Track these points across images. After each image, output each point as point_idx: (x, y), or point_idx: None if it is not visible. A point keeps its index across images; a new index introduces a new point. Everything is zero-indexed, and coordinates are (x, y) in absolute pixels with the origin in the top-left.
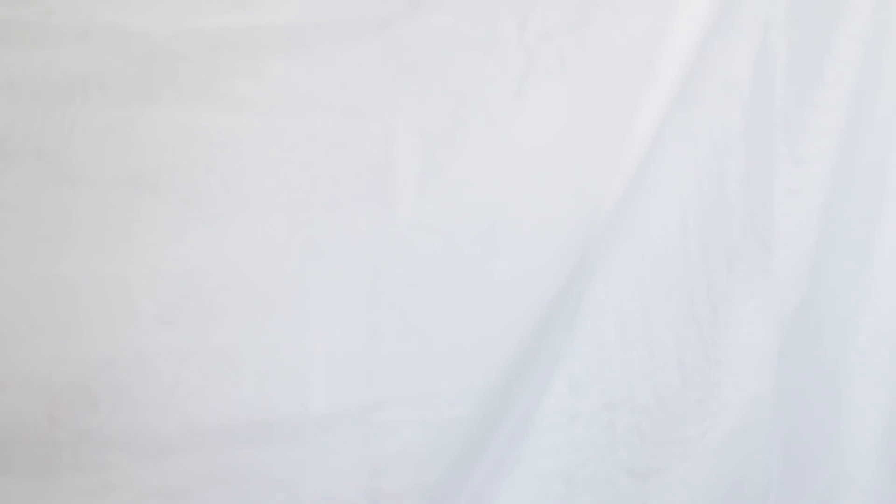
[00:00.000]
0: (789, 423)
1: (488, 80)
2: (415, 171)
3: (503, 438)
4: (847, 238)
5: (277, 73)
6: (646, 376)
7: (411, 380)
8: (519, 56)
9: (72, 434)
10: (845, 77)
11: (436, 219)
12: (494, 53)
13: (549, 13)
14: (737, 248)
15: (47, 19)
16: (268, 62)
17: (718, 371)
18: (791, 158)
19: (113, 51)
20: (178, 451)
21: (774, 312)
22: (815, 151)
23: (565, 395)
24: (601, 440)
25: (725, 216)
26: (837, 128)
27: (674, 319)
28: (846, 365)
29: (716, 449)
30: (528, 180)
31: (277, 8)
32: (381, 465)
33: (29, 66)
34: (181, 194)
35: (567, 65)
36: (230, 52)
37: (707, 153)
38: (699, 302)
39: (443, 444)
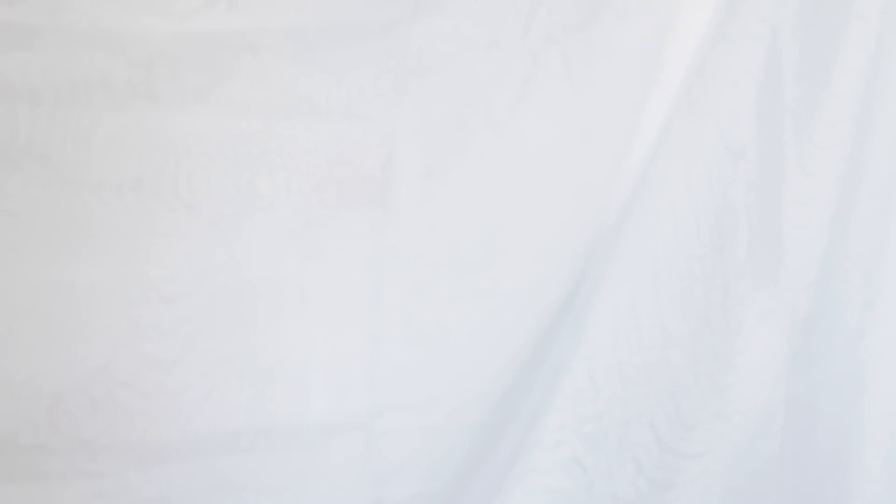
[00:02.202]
0: (800, 432)
1: (492, 83)
2: (418, 175)
3: (509, 447)
4: (856, 246)
5: (280, 76)
6: (663, 388)
7: (414, 386)
8: (523, 59)
9: (71, 440)
10: (854, 87)
11: (439, 223)
12: (498, 56)
13: (554, 15)
14: (748, 255)
15: (49, 21)
16: (270, 65)
17: (731, 380)
18: (801, 169)
19: (115, 53)
20: (179, 457)
21: (784, 320)
22: (825, 163)
23: (577, 405)
24: (614, 451)
25: (736, 223)
26: (847, 138)
27: (688, 327)
28: (856, 374)
29: (728, 459)
30: (532, 184)
31: (280, 11)
32: (384, 473)
33: (31, 69)
34: (183, 198)
35: (571, 67)
36: (233, 55)
37: (717, 158)
38: (713, 309)
39: (447, 453)
